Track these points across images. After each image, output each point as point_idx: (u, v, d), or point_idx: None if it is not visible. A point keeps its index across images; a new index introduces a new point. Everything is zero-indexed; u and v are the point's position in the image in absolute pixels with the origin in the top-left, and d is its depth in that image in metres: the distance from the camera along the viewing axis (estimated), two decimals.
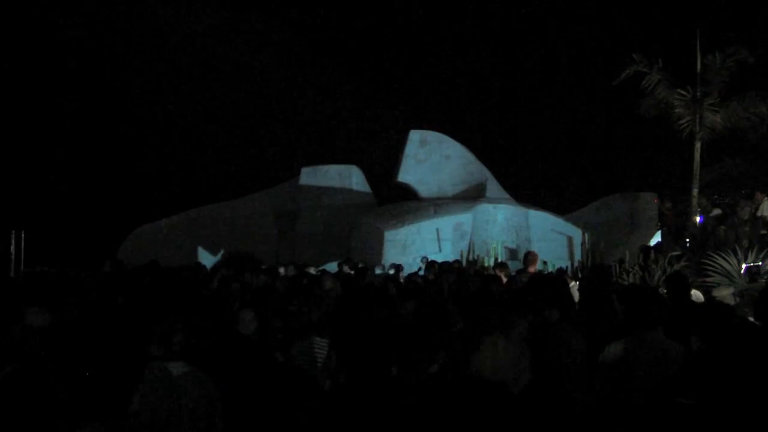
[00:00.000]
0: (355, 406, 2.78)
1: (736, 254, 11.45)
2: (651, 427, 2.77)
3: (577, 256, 16.48)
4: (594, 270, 11.29)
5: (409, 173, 21.16)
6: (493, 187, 20.90)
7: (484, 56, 29.42)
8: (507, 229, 18.89)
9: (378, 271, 14.82)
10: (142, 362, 2.34)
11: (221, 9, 29.70)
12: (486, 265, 15.22)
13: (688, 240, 14.54)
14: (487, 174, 21.23)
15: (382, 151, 25.03)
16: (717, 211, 15.67)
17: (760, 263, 11.31)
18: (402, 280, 10.85)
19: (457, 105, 29.38)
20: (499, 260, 15.30)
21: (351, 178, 21.91)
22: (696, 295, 7.63)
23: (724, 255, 11.42)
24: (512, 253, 17.84)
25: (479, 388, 2.31)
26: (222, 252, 21.29)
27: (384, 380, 3.48)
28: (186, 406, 2.78)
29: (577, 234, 18.15)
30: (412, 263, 16.33)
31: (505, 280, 10.06)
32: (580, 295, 7.59)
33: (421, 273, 12.81)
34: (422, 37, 30.30)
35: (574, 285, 8.93)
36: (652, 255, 12.58)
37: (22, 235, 16.66)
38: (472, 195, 20.37)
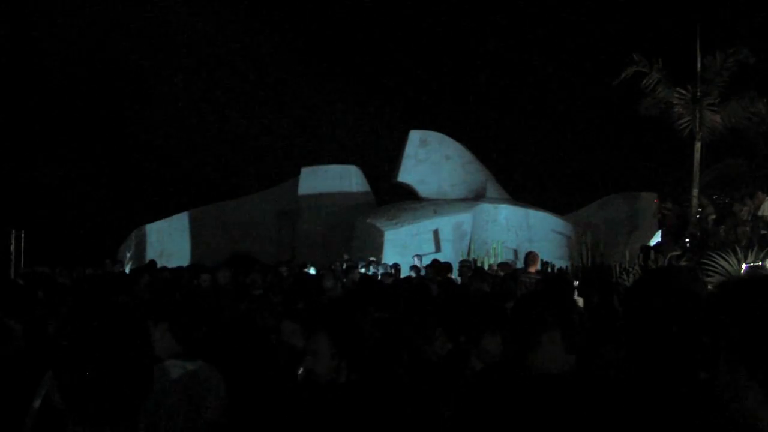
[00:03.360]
0: (367, 403, 2.79)
1: (736, 254, 11.45)
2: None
3: (577, 257, 16.47)
4: (594, 270, 11.30)
5: (409, 173, 21.16)
6: (493, 187, 20.89)
7: (484, 56, 29.44)
8: (507, 229, 18.89)
9: (378, 269, 14.80)
10: (149, 363, 2.32)
11: (221, 9, 29.70)
12: (486, 265, 15.21)
13: (687, 240, 14.55)
14: (487, 174, 21.24)
15: (382, 151, 25.03)
16: (712, 217, 15.66)
17: (760, 263, 11.30)
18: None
19: (457, 105, 29.39)
20: (500, 260, 15.30)
21: (351, 178, 21.91)
22: None
23: (724, 255, 11.42)
24: (513, 254, 17.82)
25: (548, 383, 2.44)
26: (222, 252, 21.29)
27: (392, 377, 3.48)
28: (196, 402, 2.81)
29: (577, 234, 18.14)
30: (411, 262, 16.32)
31: None
32: (579, 295, 7.58)
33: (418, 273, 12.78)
34: (422, 37, 30.33)
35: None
36: (652, 255, 12.58)
37: (22, 235, 16.68)
38: (472, 195, 20.38)
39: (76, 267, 13.17)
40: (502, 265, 12.16)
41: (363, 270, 13.35)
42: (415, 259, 15.46)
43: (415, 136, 21.26)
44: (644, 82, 15.94)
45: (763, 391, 1.24)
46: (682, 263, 11.84)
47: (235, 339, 4.59)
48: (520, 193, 21.83)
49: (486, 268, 13.91)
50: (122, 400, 1.67)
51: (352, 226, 20.10)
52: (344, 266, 13.91)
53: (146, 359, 1.75)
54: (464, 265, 12.42)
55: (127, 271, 15.34)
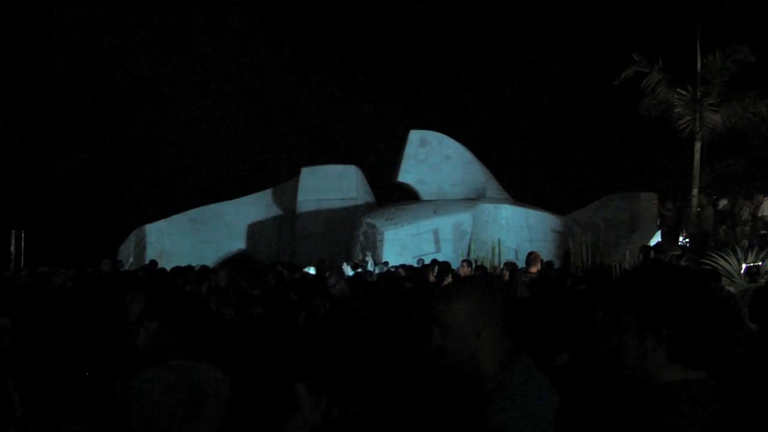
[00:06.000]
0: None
1: (736, 254, 11.45)
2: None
3: (577, 257, 16.46)
4: (594, 270, 11.29)
5: (409, 173, 21.16)
6: (493, 187, 20.89)
7: (485, 56, 29.45)
8: (507, 229, 18.89)
9: (376, 269, 14.81)
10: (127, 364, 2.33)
11: (222, 9, 29.73)
12: (488, 264, 15.18)
13: (687, 240, 14.55)
14: (487, 174, 21.23)
15: (382, 151, 25.03)
16: (724, 202, 15.56)
17: (760, 263, 11.30)
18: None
19: (457, 105, 29.42)
20: (504, 259, 15.27)
21: (351, 178, 21.90)
22: None
23: (724, 255, 11.42)
24: (513, 253, 17.81)
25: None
26: (222, 252, 21.29)
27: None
28: (205, 404, 2.82)
29: (576, 234, 18.13)
30: (411, 263, 16.31)
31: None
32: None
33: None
34: (422, 37, 30.33)
35: None
36: (652, 255, 12.58)
37: (22, 235, 16.70)
38: (472, 195, 20.37)
39: (75, 267, 13.16)
40: (508, 265, 12.13)
41: (351, 271, 13.37)
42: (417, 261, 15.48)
43: (415, 136, 21.26)
44: (644, 82, 15.93)
45: (666, 352, 1.57)
46: (682, 263, 11.85)
47: (238, 340, 4.60)
48: (520, 193, 21.82)
49: (489, 268, 13.89)
50: (84, 399, 1.68)
51: (352, 226, 20.10)
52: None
53: (107, 359, 1.75)
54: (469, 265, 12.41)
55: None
